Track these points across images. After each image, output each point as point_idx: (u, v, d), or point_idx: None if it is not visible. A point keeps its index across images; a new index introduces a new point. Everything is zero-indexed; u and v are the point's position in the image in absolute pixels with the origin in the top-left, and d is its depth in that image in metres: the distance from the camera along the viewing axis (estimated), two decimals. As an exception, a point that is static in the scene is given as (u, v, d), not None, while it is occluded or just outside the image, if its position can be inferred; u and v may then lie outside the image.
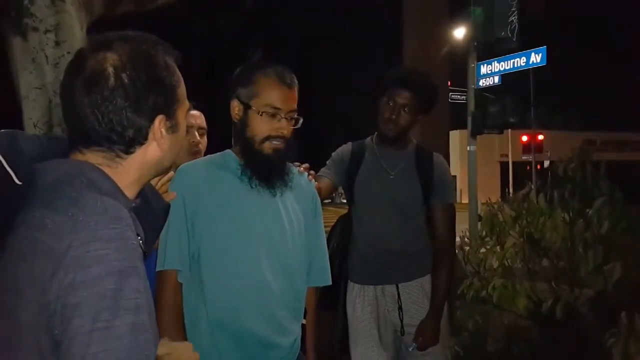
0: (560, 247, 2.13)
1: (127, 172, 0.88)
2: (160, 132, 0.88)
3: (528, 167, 22.62)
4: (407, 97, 2.09)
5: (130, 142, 0.86)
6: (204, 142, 2.03)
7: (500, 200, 3.26)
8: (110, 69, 0.83)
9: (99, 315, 0.71)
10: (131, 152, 0.87)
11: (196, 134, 1.95)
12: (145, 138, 0.87)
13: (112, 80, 0.83)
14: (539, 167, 22.68)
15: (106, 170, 0.85)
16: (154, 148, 0.89)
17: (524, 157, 23.38)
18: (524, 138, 23.05)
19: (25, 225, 0.78)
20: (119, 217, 0.79)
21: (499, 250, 2.28)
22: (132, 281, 0.75)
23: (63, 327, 0.72)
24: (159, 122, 0.88)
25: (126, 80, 0.83)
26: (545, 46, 6.54)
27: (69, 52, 4.52)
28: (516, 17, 6.28)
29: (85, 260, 0.73)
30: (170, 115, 0.89)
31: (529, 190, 2.33)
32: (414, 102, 2.11)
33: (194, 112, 1.94)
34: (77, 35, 4.61)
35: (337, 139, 2.75)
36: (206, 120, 2.06)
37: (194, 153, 1.89)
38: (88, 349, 0.70)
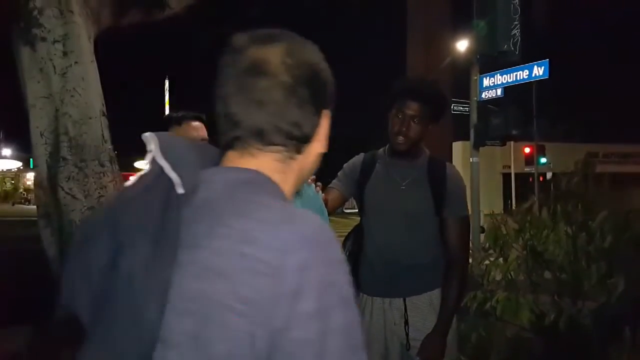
0: (563, 260, 2.13)
1: (290, 179, 0.79)
2: (325, 128, 0.81)
3: (531, 179, 22.57)
4: (416, 108, 2.07)
5: (304, 138, 0.78)
6: None
7: (503, 212, 3.26)
8: (279, 62, 0.75)
9: (338, 355, 0.63)
10: (301, 152, 0.79)
11: None
12: (312, 135, 0.79)
13: (283, 75, 0.75)
14: (541, 178, 22.62)
15: (275, 177, 0.77)
16: (315, 148, 0.80)
17: (527, 169, 23.32)
18: (527, 150, 23.03)
19: (217, 237, 0.67)
20: (332, 234, 0.70)
21: (502, 262, 2.28)
22: (355, 313, 0.68)
23: None
24: (326, 117, 0.80)
25: (296, 74, 0.76)
26: (547, 59, 6.58)
27: (76, 62, 4.57)
28: (519, 30, 6.33)
29: (319, 286, 0.64)
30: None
31: (532, 203, 2.34)
32: (423, 113, 2.08)
33: (195, 124, 1.95)
34: (84, 46, 4.65)
35: (341, 151, 2.77)
36: (210, 129, 2.08)
37: None
38: None
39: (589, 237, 2.11)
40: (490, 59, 6.82)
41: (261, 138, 0.75)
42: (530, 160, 22.91)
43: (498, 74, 6.86)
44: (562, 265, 2.14)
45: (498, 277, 2.25)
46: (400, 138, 2.10)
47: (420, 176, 2.16)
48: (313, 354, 0.62)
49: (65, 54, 4.49)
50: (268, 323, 0.62)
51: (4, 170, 38.70)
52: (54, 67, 4.45)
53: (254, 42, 0.77)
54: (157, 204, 0.68)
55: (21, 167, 38.29)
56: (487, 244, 2.34)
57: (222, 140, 0.78)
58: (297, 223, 0.68)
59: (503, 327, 2.34)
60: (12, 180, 38.90)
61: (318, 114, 0.79)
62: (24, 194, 37.70)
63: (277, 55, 0.76)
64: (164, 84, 34.71)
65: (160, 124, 1.99)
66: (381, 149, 2.29)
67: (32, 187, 38.15)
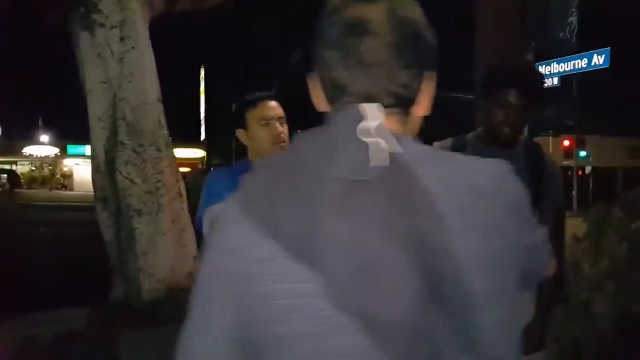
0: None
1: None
2: (429, 91, 0.76)
3: (569, 173, 21.93)
4: (519, 96, 2.00)
5: (412, 101, 0.74)
6: (285, 130, 2.01)
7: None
8: (383, 20, 0.71)
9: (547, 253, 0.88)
10: (409, 115, 0.75)
11: (277, 124, 1.92)
12: (419, 97, 0.75)
13: (389, 35, 0.70)
14: (580, 172, 21.97)
15: None
16: (418, 112, 0.76)
17: (565, 162, 22.64)
18: (566, 142, 22.33)
19: (449, 173, 0.71)
20: None
21: (600, 255, 2.18)
22: None
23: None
24: (430, 79, 0.76)
25: (402, 33, 0.71)
26: (609, 47, 6.28)
27: (133, 48, 4.61)
28: (576, 17, 6.08)
29: (525, 200, 0.78)
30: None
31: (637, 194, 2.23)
32: (526, 99, 2.01)
33: (272, 103, 1.93)
34: (141, 32, 4.68)
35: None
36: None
37: (280, 143, 1.88)
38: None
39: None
40: (544, 49, 6.55)
41: (372, 102, 0.71)
42: (569, 153, 22.21)
43: (554, 62, 6.59)
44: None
45: (596, 271, 2.16)
46: (506, 129, 2.02)
47: (517, 166, 2.05)
48: (538, 254, 0.79)
49: (122, 39, 4.52)
50: (515, 233, 0.71)
51: (42, 156, 39.90)
52: (112, 52, 4.49)
53: (354, 1, 0.73)
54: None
55: (58, 154, 39.40)
56: (585, 235, 2.25)
57: (331, 107, 0.74)
58: (490, 160, 0.77)
59: (598, 322, 2.25)
60: (50, 166, 40.10)
61: (423, 75, 0.74)
62: (60, 180, 38.84)
63: (379, 13, 0.71)
64: (199, 73, 34.96)
65: (233, 110, 1.98)
66: (470, 134, 2.20)
67: (68, 173, 39.28)
